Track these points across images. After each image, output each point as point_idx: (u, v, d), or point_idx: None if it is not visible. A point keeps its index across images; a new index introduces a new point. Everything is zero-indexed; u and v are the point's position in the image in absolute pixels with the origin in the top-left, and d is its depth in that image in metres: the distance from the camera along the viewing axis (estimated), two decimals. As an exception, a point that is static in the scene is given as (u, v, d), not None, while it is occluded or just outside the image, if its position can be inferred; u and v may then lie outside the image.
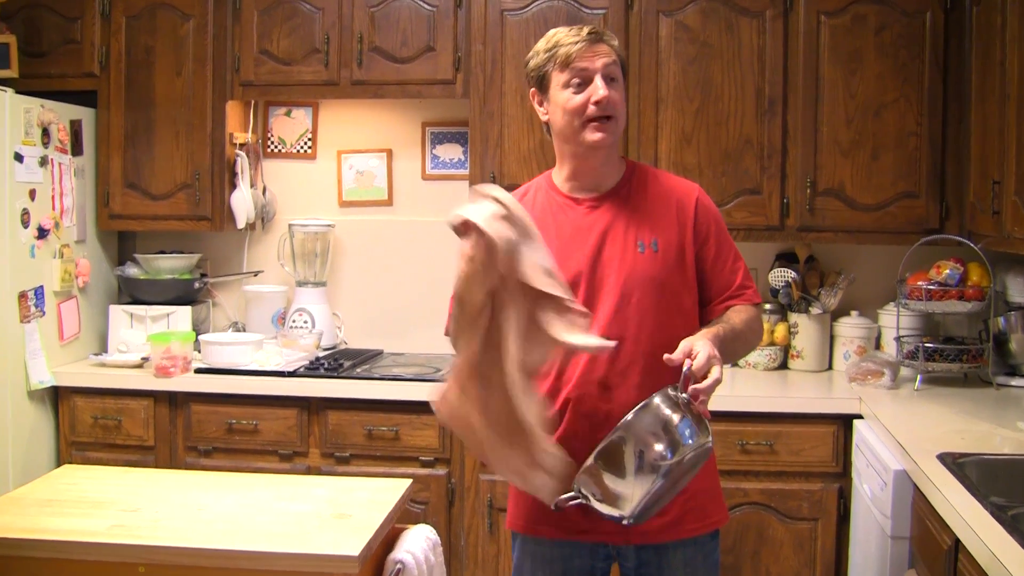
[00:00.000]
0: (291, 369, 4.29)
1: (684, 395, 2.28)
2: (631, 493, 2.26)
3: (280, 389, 4.21)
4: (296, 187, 5.04)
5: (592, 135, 2.60)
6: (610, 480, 2.28)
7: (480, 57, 4.38)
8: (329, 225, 4.90)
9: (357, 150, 4.99)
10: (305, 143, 5.01)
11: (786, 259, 4.62)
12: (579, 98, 2.59)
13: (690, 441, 2.26)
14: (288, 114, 5.01)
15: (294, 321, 4.78)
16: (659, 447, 2.24)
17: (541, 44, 2.67)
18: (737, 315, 2.63)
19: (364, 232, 4.99)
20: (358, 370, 4.35)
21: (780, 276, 4.52)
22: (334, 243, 4.95)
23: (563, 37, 2.62)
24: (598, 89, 2.57)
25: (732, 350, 2.57)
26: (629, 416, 2.28)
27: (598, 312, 2.58)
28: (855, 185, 4.23)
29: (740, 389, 4.19)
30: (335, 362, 4.40)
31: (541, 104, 2.70)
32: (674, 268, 2.63)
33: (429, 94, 4.54)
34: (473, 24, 4.38)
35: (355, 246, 4.99)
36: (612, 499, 2.29)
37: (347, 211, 5.00)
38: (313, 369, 4.31)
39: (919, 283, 4.18)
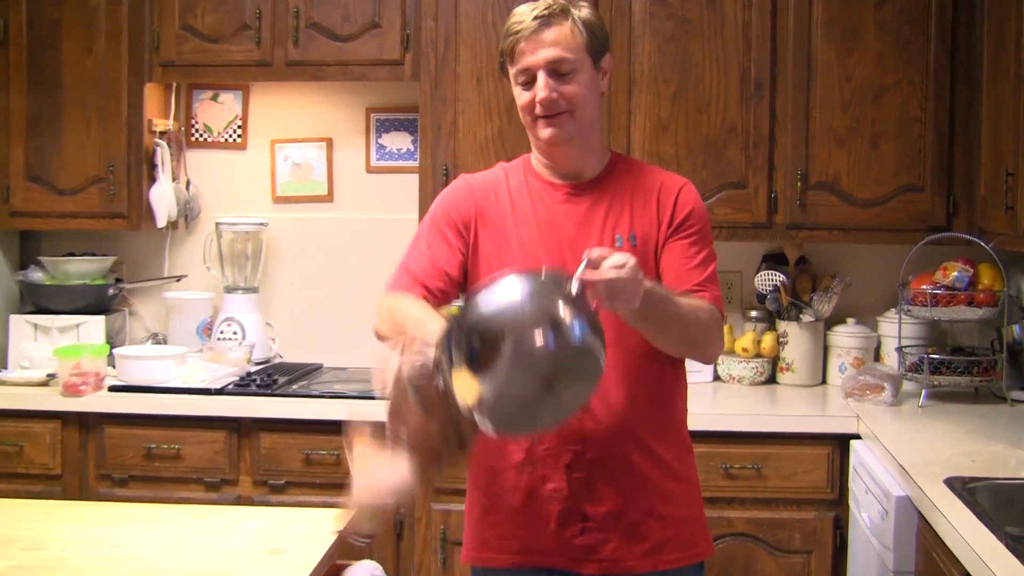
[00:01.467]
0: (218, 386, 4.27)
1: (576, 285, 2.15)
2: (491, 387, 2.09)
3: (206, 409, 4.19)
4: (224, 181, 5.02)
5: (543, 131, 2.64)
6: (480, 376, 2.10)
7: (431, 35, 4.37)
8: (261, 224, 4.89)
9: (293, 139, 4.97)
10: (234, 131, 4.99)
11: (774, 261, 4.63)
12: (526, 96, 2.63)
13: (577, 343, 2.11)
14: (215, 98, 4.99)
15: (222, 332, 4.76)
16: (539, 339, 2.08)
17: (508, 22, 2.68)
18: (686, 297, 2.57)
19: (301, 231, 4.97)
20: (294, 387, 4.34)
21: (767, 279, 4.52)
22: (267, 244, 4.94)
23: (513, 22, 2.63)
24: (539, 90, 2.60)
25: (661, 315, 2.45)
26: (516, 298, 2.13)
27: None
28: (852, 178, 4.25)
29: (723, 406, 4.20)
30: (268, 378, 4.39)
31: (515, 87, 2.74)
32: (652, 264, 2.65)
33: (374, 76, 4.53)
34: None
35: (291, 247, 4.98)
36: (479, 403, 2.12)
37: (282, 208, 4.99)
38: (243, 386, 4.30)
39: (923, 287, 4.18)
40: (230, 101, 4.98)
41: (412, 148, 4.87)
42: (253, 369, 4.57)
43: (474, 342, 2.10)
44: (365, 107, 4.92)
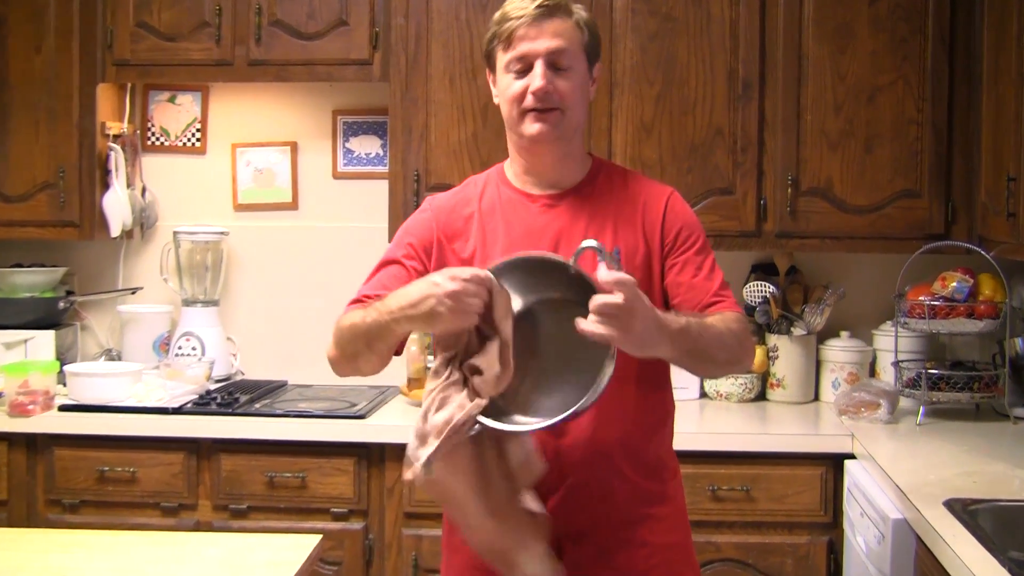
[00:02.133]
0: (176, 405, 4.24)
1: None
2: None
3: (163, 429, 4.16)
4: (182, 187, 5.00)
5: (530, 126, 2.63)
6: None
7: (402, 33, 4.37)
8: (222, 233, 4.88)
9: (255, 143, 4.97)
10: (193, 135, 4.98)
11: (764, 271, 4.64)
12: (518, 85, 2.62)
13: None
14: (172, 100, 4.97)
15: (180, 348, 4.74)
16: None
17: (497, 13, 2.69)
18: (713, 316, 2.59)
19: (264, 241, 4.97)
20: (257, 405, 4.32)
21: (757, 291, 4.52)
22: (228, 254, 4.93)
23: (512, 7, 2.63)
24: (535, 78, 2.59)
25: (702, 347, 2.48)
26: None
27: None
28: (845, 183, 4.26)
29: (710, 424, 4.20)
30: (229, 396, 4.36)
31: (494, 84, 2.73)
32: (637, 277, 2.60)
33: (341, 76, 4.54)
34: None
35: (253, 258, 4.97)
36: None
37: (244, 216, 4.98)
38: (203, 405, 4.27)
39: (921, 298, 4.19)
40: (188, 103, 4.97)
41: (381, 153, 4.87)
42: (213, 387, 4.55)
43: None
44: (332, 109, 4.91)
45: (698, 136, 4.29)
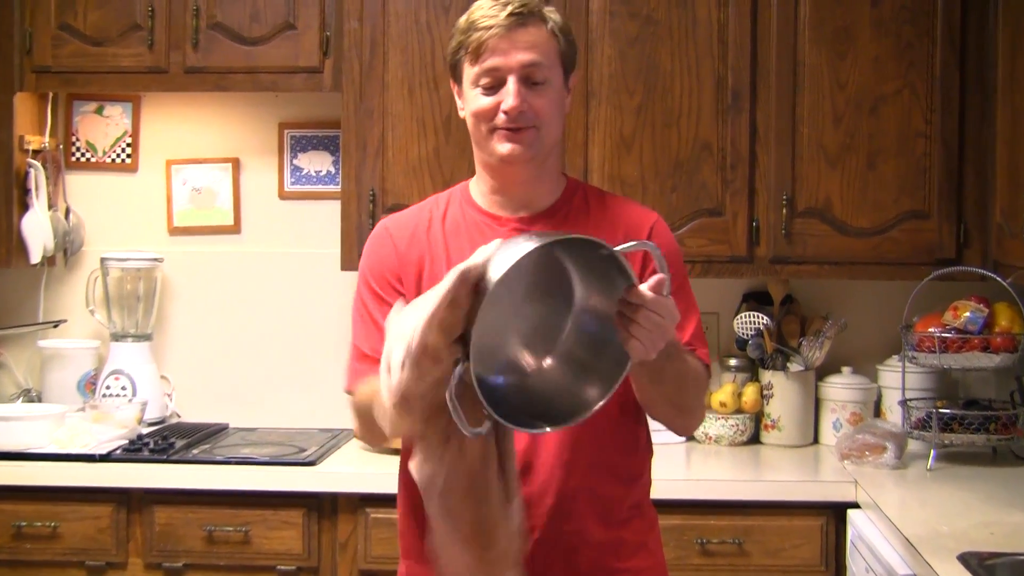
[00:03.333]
0: (104, 452, 4.19)
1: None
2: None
3: (89, 479, 4.11)
4: (111, 209, 4.97)
5: (501, 146, 2.61)
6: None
7: (356, 37, 4.35)
8: (155, 259, 4.85)
9: (193, 160, 4.95)
10: (123, 150, 4.96)
11: (756, 300, 4.64)
12: (487, 102, 2.60)
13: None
14: (99, 111, 4.95)
15: (108, 387, 4.70)
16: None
17: (461, 19, 2.66)
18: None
19: (202, 268, 4.94)
20: (195, 451, 4.29)
21: (749, 323, 4.53)
22: (162, 283, 4.90)
23: (481, 16, 2.60)
24: (508, 96, 2.57)
25: (677, 374, 2.47)
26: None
27: None
28: (846, 202, 4.26)
29: (698, 470, 4.20)
30: (164, 441, 4.33)
31: (459, 96, 2.71)
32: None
33: (288, 86, 4.53)
34: None
35: (191, 287, 4.94)
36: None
37: (179, 240, 4.96)
38: (134, 451, 4.23)
39: (931, 330, 4.19)
40: (117, 115, 4.94)
41: (333, 170, 4.86)
42: (145, 431, 4.51)
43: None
44: (278, 122, 4.90)
45: (683, 151, 4.28)
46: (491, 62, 2.57)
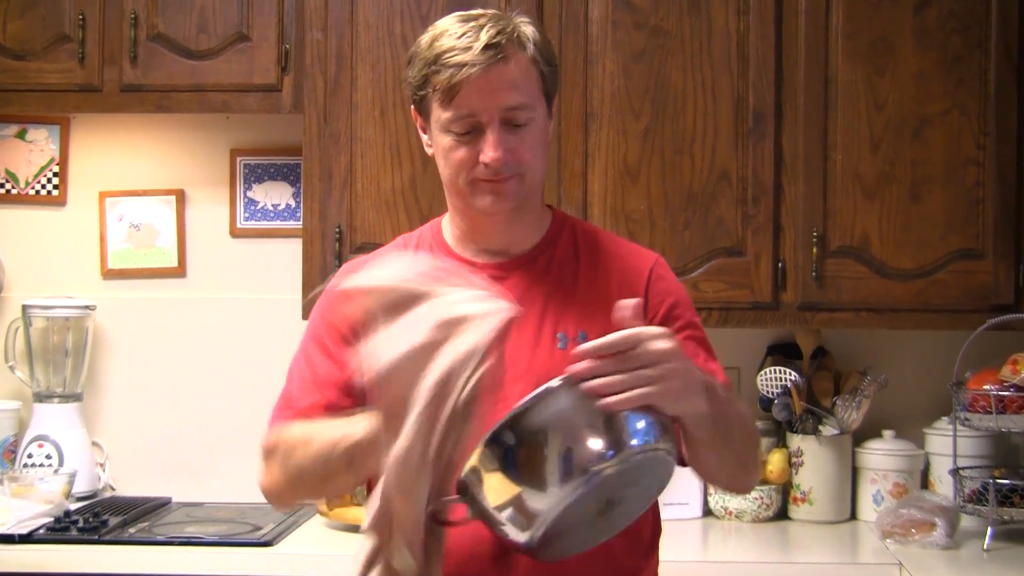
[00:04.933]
0: (25, 531, 4.14)
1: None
2: (547, 508, 2.15)
3: (7, 563, 4.05)
4: (35, 248, 4.97)
5: (481, 200, 2.60)
6: (527, 493, 2.17)
7: (319, 50, 4.35)
8: (87, 307, 4.84)
9: (131, 192, 4.95)
10: (49, 180, 4.96)
11: (783, 353, 4.65)
12: (463, 151, 2.57)
13: (639, 441, 2.16)
14: (21, 135, 4.96)
15: (30, 456, 4.67)
16: (596, 444, 2.14)
17: (423, 41, 2.61)
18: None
19: (141, 317, 4.94)
20: (131, 530, 4.25)
21: (774, 379, 4.52)
22: (95, 335, 4.89)
23: (448, 46, 2.55)
24: (488, 148, 2.54)
25: (728, 417, 2.43)
26: (554, 384, 2.17)
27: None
28: (885, 240, 4.24)
29: (716, 551, 4.20)
30: (96, 519, 4.27)
31: (424, 131, 2.69)
32: None
33: (241, 107, 4.54)
34: (308, 1, 4.37)
35: (127, 339, 4.94)
36: (523, 515, 2.18)
37: (115, 285, 4.95)
38: (61, 530, 4.18)
39: (986, 387, 4.17)
40: (43, 139, 4.95)
41: (293, 204, 4.87)
42: (74, 507, 4.46)
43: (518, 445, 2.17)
44: (229, 148, 4.91)
45: (697, 182, 4.27)
46: (467, 108, 2.53)
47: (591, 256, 2.71)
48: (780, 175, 4.25)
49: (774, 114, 4.25)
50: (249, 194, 4.89)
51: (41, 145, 4.94)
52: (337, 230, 4.30)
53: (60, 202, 4.95)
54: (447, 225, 2.76)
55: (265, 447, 2.63)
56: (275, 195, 4.89)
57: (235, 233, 4.91)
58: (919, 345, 4.61)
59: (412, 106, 2.69)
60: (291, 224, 4.83)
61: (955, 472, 4.26)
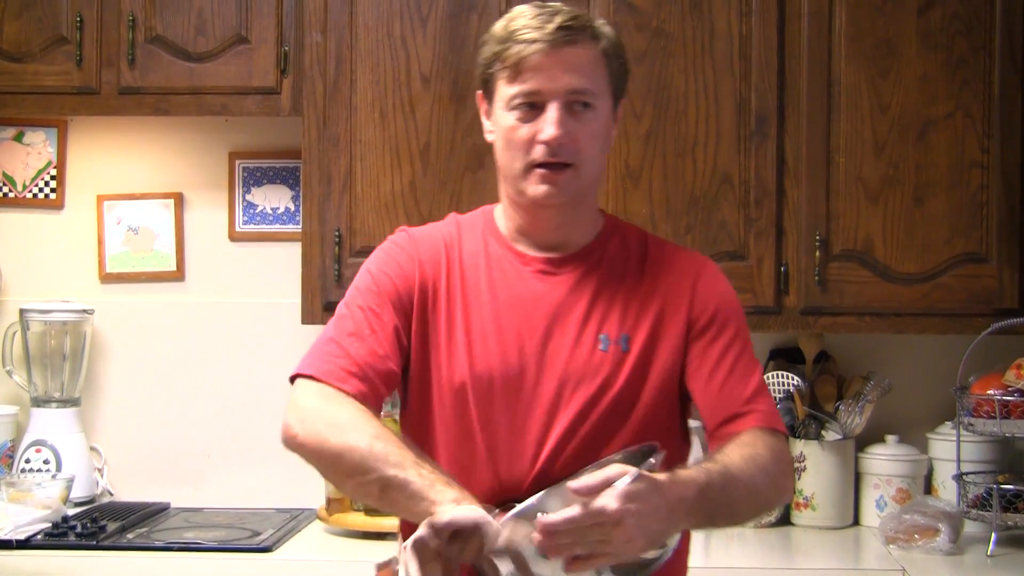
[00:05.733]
0: (22, 536, 4.13)
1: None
2: None
3: (4, 569, 4.05)
4: (32, 252, 4.97)
5: (535, 187, 2.62)
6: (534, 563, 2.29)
7: (319, 53, 4.35)
8: (84, 311, 4.83)
9: (129, 195, 4.94)
10: (46, 184, 4.95)
11: (786, 358, 4.66)
12: (525, 130, 2.60)
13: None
14: (19, 138, 4.95)
15: (28, 461, 4.67)
16: None
17: (498, 26, 2.67)
18: (737, 448, 2.53)
19: (140, 321, 4.93)
20: (130, 536, 4.25)
21: (777, 384, 4.52)
22: (92, 339, 4.88)
23: (522, 25, 2.60)
24: (548, 125, 2.56)
25: (725, 503, 2.44)
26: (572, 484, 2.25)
27: (525, 440, 2.56)
28: (889, 244, 4.24)
29: (719, 558, 4.16)
30: (94, 524, 4.28)
31: (488, 117, 2.73)
32: (650, 379, 2.61)
33: (240, 109, 4.53)
34: (307, 3, 4.36)
35: (125, 343, 4.93)
36: None
37: (113, 289, 4.95)
38: (58, 536, 4.18)
39: (990, 392, 4.17)
40: (40, 142, 4.95)
41: (292, 207, 4.87)
42: (72, 512, 4.47)
43: None
44: (228, 151, 4.91)
45: (699, 185, 4.27)
46: (532, 83, 2.57)
47: (640, 260, 2.73)
48: (783, 178, 4.25)
49: (777, 117, 4.25)
50: (248, 197, 4.89)
51: (39, 148, 4.94)
52: (336, 234, 4.30)
53: (58, 205, 4.95)
54: (500, 215, 2.77)
55: (303, 399, 2.61)
56: (274, 198, 4.88)
57: (234, 237, 4.90)
58: (923, 349, 4.61)
59: (479, 90, 2.72)
60: (290, 228, 4.83)
61: (959, 477, 4.25)
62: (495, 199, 2.78)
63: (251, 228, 4.90)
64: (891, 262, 4.22)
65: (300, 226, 4.51)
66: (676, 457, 2.61)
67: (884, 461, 4.48)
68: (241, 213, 4.90)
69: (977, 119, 4.18)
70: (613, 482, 2.18)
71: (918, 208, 4.21)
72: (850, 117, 4.23)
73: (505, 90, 2.60)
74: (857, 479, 4.53)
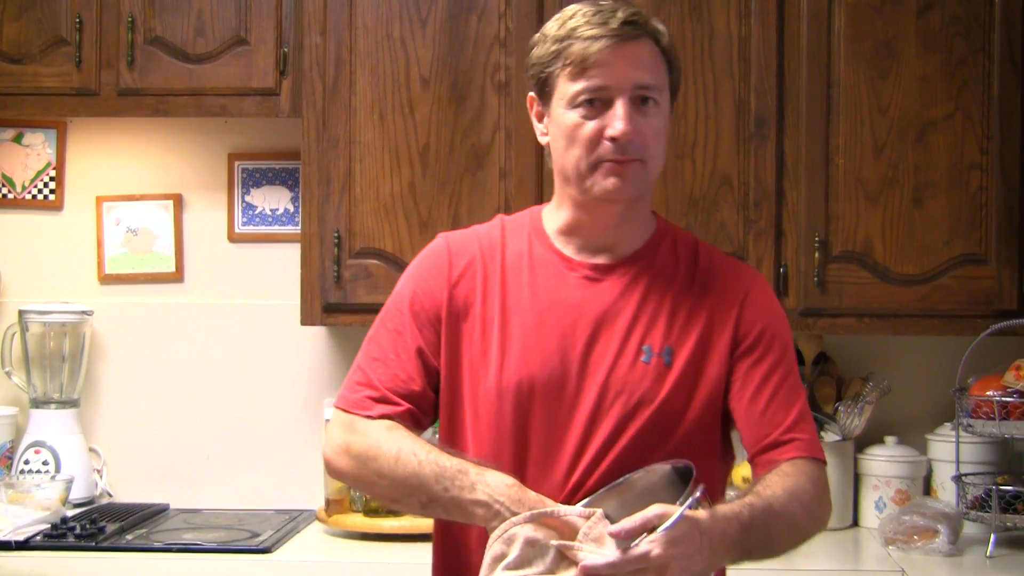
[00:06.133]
0: (21, 538, 4.13)
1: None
2: None
3: (4, 571, 4.04)
4: (31, 253, 4.97)
5: (603, 182, 2.59)
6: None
7: (318, 54, 4.35)
8: (84, 312, 4.83)
9: (128, 196, 4.94)
10: (45, 185, 4.95)
11: None
12: (590, 126, 2.57)
13: None
14: (18, 140, 4.95)
15: (27, 462, 4.66)
16: None
17: (551, 26, 2.66)
18: (779, 480, 2.53)
19: (139, 323, 4.93)
20: (129, 537, 4.24)
21: None
22: (92, 340, 4.87)
23: (582, 23, 2.58)
24: (616, 120, 2.54)
25: (765, 540, 2.46)
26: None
27: (562, 451, 2.55)
28: (888, 245, 4.24)
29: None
30: (93, 525, 4.26)
31: (540, 119, 2.70)
32: (694, 396, 2.60)
33: (239, 110, 4.53)
34: (307, 5, 4.35)
35: (125, 345, 4.93)
36: None
37: (112, 291, 4.95)
38: (58, 537, 4.17)
39: (989, 393, 4.17)
40: (39, 143, 4.95)
41: (292, 208, 4.87)
42: (71, 513, 4.46)
43: None
44: (227, 152, 4.90)
45: (698, 186, 4.28)
46: (598, 79, 2.55)
47: (689, 269, 2.70)
48: (782, 179, 4.26)
49: (776, 118, 4.25)
50: (247, 199, 4.89)
51: (38, 149, 4.93)
52: (336, 235, 4.29)
53: (57, 207, 4.94)
54: (549, 217, 2.75)
55: (346, 432, 2.63)
56: (273, 200, 4.88)
57: (233, 238, 4.90)
58: (922, 351, 4.61)
59: (531, 92, 2.70)
60: (289, 229, 4.83)
61: (958, 479, 4.26)
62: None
63: (250, 229, 4.89)
64: (890, 263, 4.22)
65: (299, 227, 4.50)
66: (715, 475, 2.63)
67: (883, 462, 4.48)
68: (240, 214, 4.89)
69: (976, 120, 4.19)
70: (652, 525, 2.19)
71: (917, 209, 4.21)
72: (849, 118, 4.23)
73: (568, 87, 2.57)
74: (856, 480, 4.53)
